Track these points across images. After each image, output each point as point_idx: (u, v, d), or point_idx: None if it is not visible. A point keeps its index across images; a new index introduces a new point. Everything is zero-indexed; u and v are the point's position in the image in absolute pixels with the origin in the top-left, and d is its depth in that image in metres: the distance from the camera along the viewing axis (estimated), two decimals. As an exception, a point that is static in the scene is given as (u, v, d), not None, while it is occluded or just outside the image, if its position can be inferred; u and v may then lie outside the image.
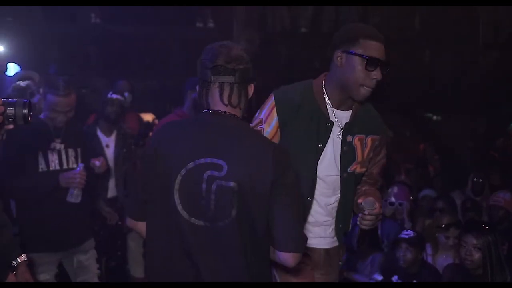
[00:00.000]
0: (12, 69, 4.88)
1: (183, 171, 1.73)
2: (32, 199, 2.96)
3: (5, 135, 1.83)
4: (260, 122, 2.25)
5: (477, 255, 2.90)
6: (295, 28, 7.37)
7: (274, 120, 2.24)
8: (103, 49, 6.06)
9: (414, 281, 3.33)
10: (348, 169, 2.29)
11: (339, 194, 2.33)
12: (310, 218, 2.32)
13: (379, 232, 3.94)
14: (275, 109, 2.23)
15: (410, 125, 10.17)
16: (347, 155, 2.28)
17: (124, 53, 5.79)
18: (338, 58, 2.18)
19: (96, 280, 3.19)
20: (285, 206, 1.75)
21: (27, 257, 2.56)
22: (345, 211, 2.38)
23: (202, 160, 1.73)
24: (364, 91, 2.18)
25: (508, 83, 7.36)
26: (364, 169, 2.35)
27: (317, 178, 2.26)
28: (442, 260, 3.66)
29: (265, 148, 1.76)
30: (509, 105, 7.56)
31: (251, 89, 1.86)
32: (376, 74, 2.15)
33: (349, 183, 2.33)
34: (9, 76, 4.06)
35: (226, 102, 1.80)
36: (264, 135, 2.18)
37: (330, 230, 2.37)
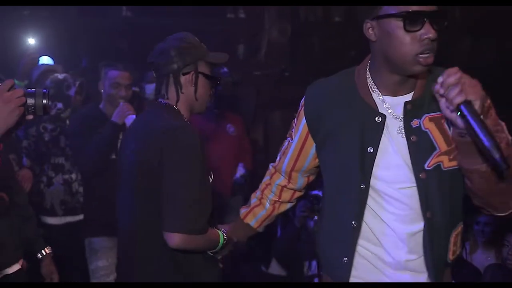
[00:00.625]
0: (46, 62, 4.95)
1: None
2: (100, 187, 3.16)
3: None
4: (292, 125, 1.97)
5: None
6: (329, 17, 7.21)
7: (302, 124, 1.86)
8: (134, 41, 6.08)
9: (453, 281, 3.20)
10: (425, 165, 1.61)
11: (423, 213, 1.62)
12: (385, 257, 1.68)
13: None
14: (303, 110, 1.85)
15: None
16: (418, 146, 1.62)
17: (155, 44, 5.77)
18: (370, 30, 1.69)
19: None
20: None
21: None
22: (440, 241, 1.69)
23: None
24: (422, 60, 1.59)
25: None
26: (456, 162, 1.60)
27: (380, 196, 1.66)
28: (479, 258, 3.53)
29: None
30: None
31: (185, 79, 2.04)
32: (426, 32, 1.57)
33: (435, 189, 1.60)
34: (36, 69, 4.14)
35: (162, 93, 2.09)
36: (292, 145, 1.97)
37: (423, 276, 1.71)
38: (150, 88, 4.43)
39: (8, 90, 1.53)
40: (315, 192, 3.79)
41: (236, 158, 4.71)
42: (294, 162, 2.00)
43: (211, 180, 2.06)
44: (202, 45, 2.12)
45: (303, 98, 1.88)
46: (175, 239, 1.83)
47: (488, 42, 7.75)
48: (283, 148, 2.07)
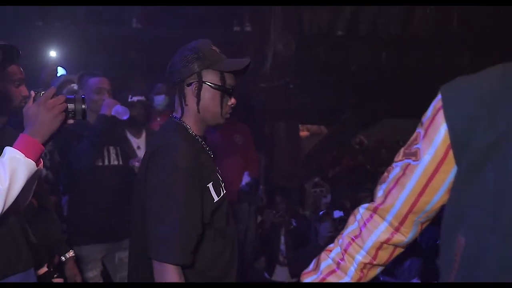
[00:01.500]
0: (60, 72, 5.10)
1: None
2: (83, 195, 3.16)
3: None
4: (415, 139, 1.32)
5: None
6: (332, 30, 7.37)
7: (439, 135, 1.23)
8: (145, 52, 6.23)
9: None
10: None
11: None
12: None
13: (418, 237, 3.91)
14: (441, 113, 1.22)
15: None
16: None
17: (165, 56, 5.92)
18: None
19: None
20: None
21: (75, 253, 2.73)
22: None
23: None
24: None
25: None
26: None
27: None
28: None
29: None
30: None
31: (189, 90, 1.92)
32: None
33: None
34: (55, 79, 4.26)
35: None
36: (418, 170, 1.28)
37: None
38: (158, 99, 4.50)
39: (52, 98, 1.63)
40: (340, 213, 3.78)
41: (244, 168, 4.75)
42: (417, 197, 1.32)
43: (222, 194, 1.91)
44: (214, 53, 1.95)
45: (439, 98, 1.25)
46: (159, 268, 1.72)
47: (488, 56, 7.90)
48: (391, 178, 1.36)
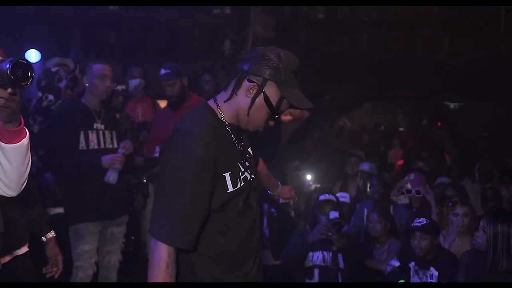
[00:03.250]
0: (34, 55, 4.98)
1: None
2: (76, 176, 3.19)
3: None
4: None
5: (484, 238, 2.89)
6: (312, 14, 7.35)
7: None
8: (121, 35, 6.13)
9: (432, 268, 3.34)
10: None
11: None
12: None
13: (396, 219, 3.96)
14: None
15: (428, 113, 10.13)
16: None
17: (141, 39, 5.84)
18: None
19: (119, 251, 3.38)
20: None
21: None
22: None
23: None
24: None
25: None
26: None
27: None
28: (457, 246, 3.67)
29: None
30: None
31: (246, 85, 1.85)
32: None
33: None
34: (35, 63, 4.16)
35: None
36: None
37: None
38: (133, 83, 4.44)
39: None
40: (336, 214, 3.81)
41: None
42: None
43: (239, 185, 1.89)
44: (292, 76, 1.87)
45: None
46: (152, 245, 1.76)
47: (466, 41, 7.98)
48: None
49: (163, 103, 4.60)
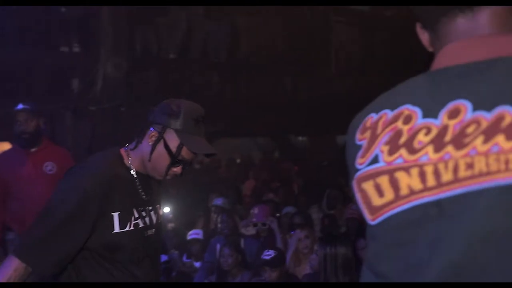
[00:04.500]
0: None
1: None
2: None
3: None
4: None
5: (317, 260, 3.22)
6: (164, 53, 7.50)
7: None
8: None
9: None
10: None
11: None
12: None
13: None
14: None
15: (278, 147, 10.77)
16: None
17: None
18: None
19: None
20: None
21: None
22: None
23: None
24: None
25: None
26: None
27: None
28: (304, 270, 3.96)
29: None
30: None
31: (149, 133, 1.98)
32: None
33: None
34: None
35: None
36: None
37: None
38: None
39: None
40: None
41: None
42: None
43: (129, 228, 1.91)
44: (192, 125, 1.94)
45: None
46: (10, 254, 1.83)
47: (305, 79, 8.69)
48: None
49: (3, 146, 4.37)
